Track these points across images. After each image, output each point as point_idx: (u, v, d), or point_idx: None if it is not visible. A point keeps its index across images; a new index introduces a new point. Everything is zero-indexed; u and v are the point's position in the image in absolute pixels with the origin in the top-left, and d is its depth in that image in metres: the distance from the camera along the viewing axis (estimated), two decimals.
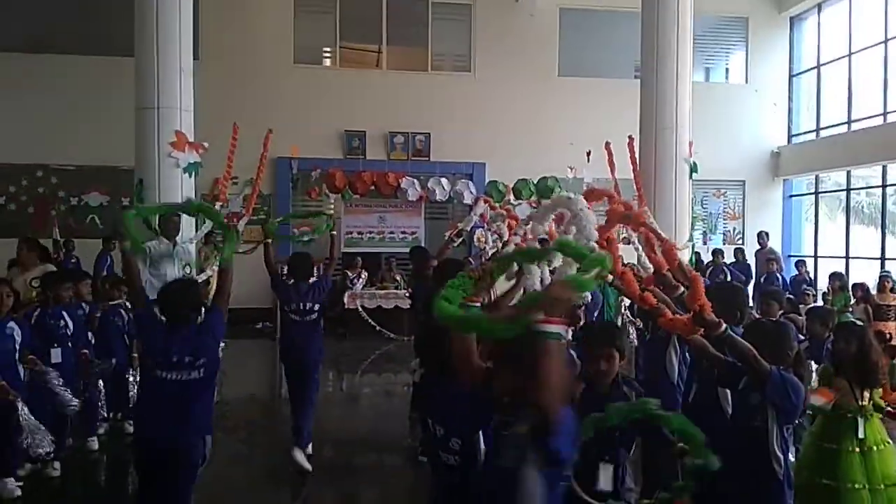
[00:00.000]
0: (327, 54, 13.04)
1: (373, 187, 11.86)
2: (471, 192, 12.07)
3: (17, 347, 4.08)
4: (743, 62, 13.98)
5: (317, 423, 5.11)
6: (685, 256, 7.49)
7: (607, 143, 7.80)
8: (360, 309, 11.04)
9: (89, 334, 5.21)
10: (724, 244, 13.14)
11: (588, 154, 8.50)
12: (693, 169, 7.84)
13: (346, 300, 11.03)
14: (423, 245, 12.45)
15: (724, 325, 2.76)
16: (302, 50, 12.58)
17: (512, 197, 10.95)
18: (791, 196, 14.01)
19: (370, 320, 10.93)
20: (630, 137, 7.84)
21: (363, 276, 11.66)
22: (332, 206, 12.09)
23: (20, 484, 4.25)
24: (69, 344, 4.80)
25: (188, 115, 7.07)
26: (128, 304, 5.76)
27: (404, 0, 12.86)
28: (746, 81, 13.88)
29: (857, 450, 3.38)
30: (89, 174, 11.76)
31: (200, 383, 3.13)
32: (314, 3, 12.63)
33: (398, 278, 11.76)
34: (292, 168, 11.97)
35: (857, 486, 3.32)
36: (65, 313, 4.88)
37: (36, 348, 4.35)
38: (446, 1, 12.96)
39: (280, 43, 12.27)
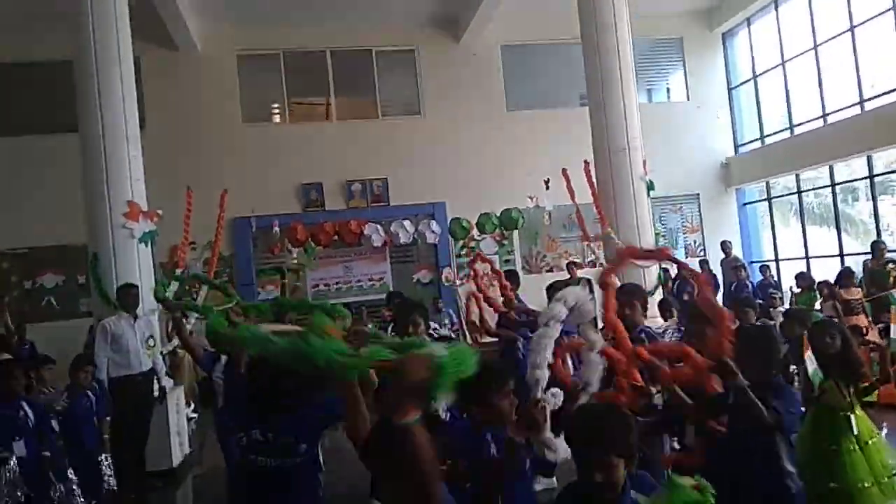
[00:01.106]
0: (276, 110, 13.04)
1: (336, 237, 11.77)
2: (433, 232, 12.07)
3: None
4: (682, 80, 14.40)
5: None
6: (652, 274, 7.56)
7: (564, 170, 7.92)
8: None
9: (53, 423, 4.94)
10: (686, 257, 13.33)
11: (546, 182, 8.61)
12: (650, 187, 7.98)
13: None
14: (389, 289, 12.40)
15: (740, 378, 2.55)
16: (250, 109, 12.55)
17: (476, 232, 10.97)
18: (745, 204, 14.33)
19: None
20: (586, 162, 7.95)
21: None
22: (296, 260, 11.98)
23: None
24: (33, 436, 4.54)
25: (139, 183, 6.96)
26: (95, 384, 5.53)
27: (348, 52, 12.96)
28: (688, 98, 14.28)
29: (857, 447, 3.36)
30: (42, 255, 11.41)
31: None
32: (258, 61, 12.65)
33: (369, 326, 11.57)
34: (252, 226, 11.81)
35: (865, 484, 3.29)
36: (24, 403, 4.62)
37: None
38: (389, 49, 13.12)
39: (227, 103, 12.22)
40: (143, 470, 6.10)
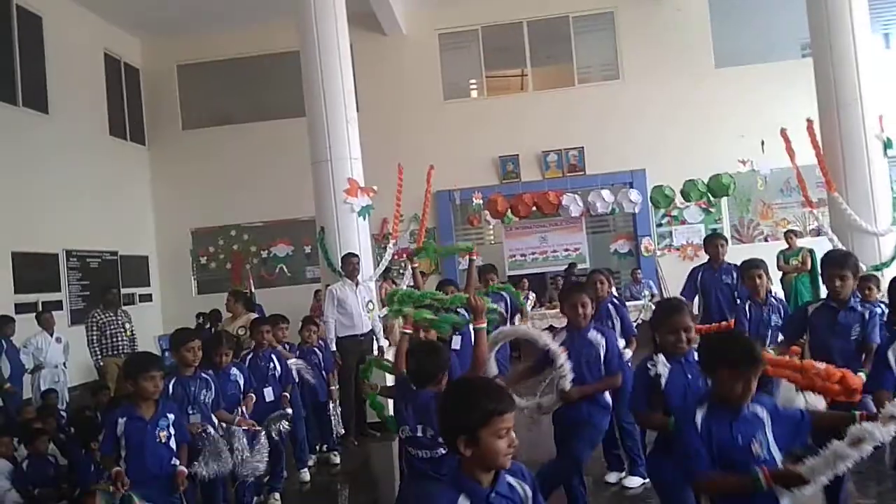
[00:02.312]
0: (473, 86, 13.38)
1: (534, 208, 11.87)
2: (632, 202, 11.70)
3: (241, 390, 4.53)
4: None
5: None
6: (889, 244, 6.72)
7: (783, 130, 7.24)
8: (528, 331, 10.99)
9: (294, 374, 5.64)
10: None
11: (762, 144, 7.94)
12: (887, 145, 7.05)
13: (515, 323, 11.03)
14: (585, 259, 12.32)
15: None
16: (450, 85, 13.02)
17: (680, 200, 10.47)
18: None
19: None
20: (809, 120, 7.22)
21: (531, 297, 11.65)
22: (492, 232, 12.32)
23: None
24: (279, 383, 5.24)
25: (357, 162, 7.59)
26: (321, 342, 6.23)
27: (544, 21, 12.89)
28: None
29: None
30: (275, 228, 12.91)
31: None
32: (457, 38, 13.05)
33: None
34: (455, 199, 12.29)
35: None
36: (273, 356, 5.34)
37: (254, 389, 4.79)
38: (587, 13, 12.82)
39: (430, 82, 12.79)
40: (363, 420, 6.77)
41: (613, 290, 5.64)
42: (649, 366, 2.89)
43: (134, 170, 12.52)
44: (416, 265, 6.20)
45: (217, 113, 13.20)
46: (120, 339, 7.72)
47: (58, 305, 9.57)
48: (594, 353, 3.68)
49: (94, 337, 7.63)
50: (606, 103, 12.36)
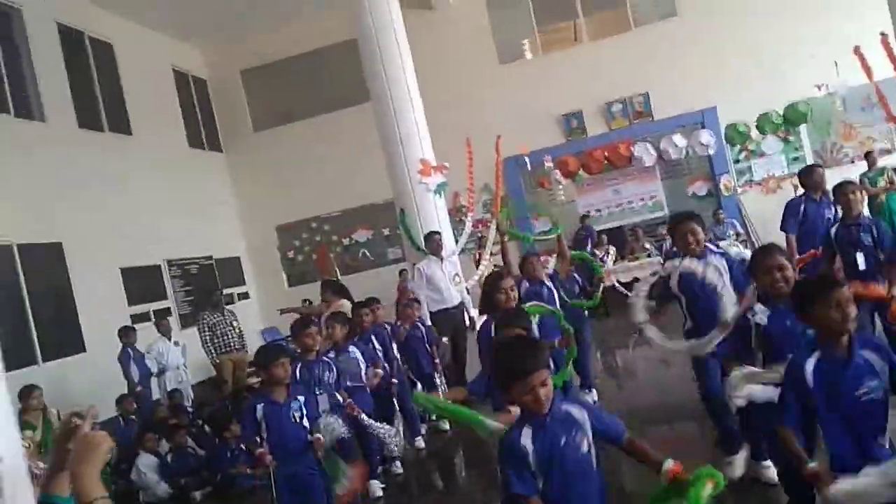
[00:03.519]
0: (526, 46, 13.27)
1: (606, 162, 11.77)
2: (703, 144, 11.44)
3: (362, 367, 4.87)
4: None
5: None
6: None
7: (857, 48, 6.95)
8: (616, 284, 11.00)
9: (395, 348, 5.95)
10: None
11: (836, 65, 7.63)
12: None
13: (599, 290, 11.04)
14: (663, 207, 12.15)
15: None
16: (503, 49, 12.97)
17: (756, 133, 10.15)
18: None
19: (628, 294, 10.81)
20: (883, 34, 6.89)
21: (611, 251, 11.62)
22: (562, 192, 12.30)
23: (382, 485, 5.04)
24: (383, 362, 5.55)
25: (427, 142, 7.79)
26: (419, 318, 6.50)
27: None
28: None
29: None
30: (352, 215, 13.34)
31: None
32: (506, 2, 12.95)
33: (648, 246, 11.52)
34: (527, 164, 12.27)
35: None
36: (373, 336, 5.66)
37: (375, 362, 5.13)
38: None
39: (483, 49, 12.79)
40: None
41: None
42: (749, 315, 2.91)
43: (215, 176, 13.18)
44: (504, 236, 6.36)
45: (283, 111, 13.65)
46: (230, 336, 8.30)
47: (167, 312, 10.30)
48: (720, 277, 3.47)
49: (207, 337, 8.23)
50: (667, 43, 12.02)
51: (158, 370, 8.15)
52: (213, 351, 8.24)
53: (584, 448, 2.15)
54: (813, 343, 2.38)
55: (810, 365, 2.30)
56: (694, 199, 12.55)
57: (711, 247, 3.84)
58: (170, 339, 8.47)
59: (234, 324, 8.44)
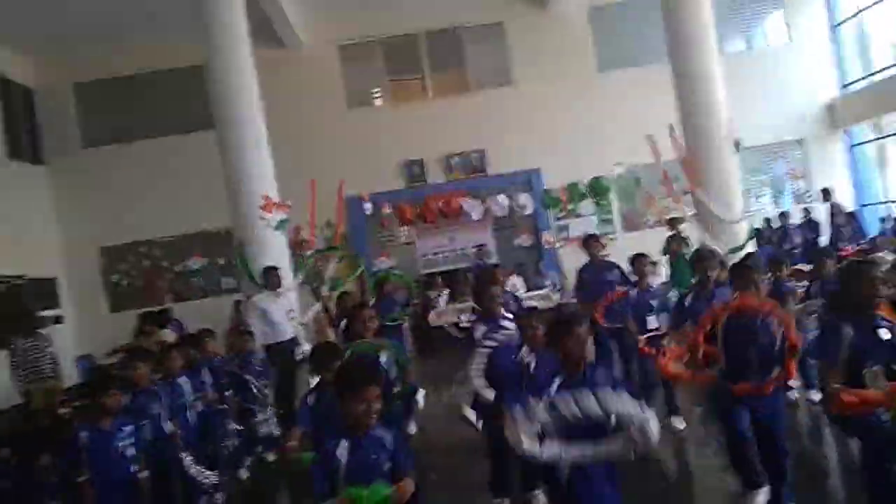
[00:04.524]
0: (377, 94, 13.90)
1: (440, 214, 12.62)
2: (521, 206, 12.80)
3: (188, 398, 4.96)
4: (782, 22, 14.01)
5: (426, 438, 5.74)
6: (742, 231, 7.84)
7: (650, 136, 8.25)
8: (446, 325, 11.65)
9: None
10: (794, 204, 13.29)
11: (654, 142, 8.79)
12: (736, 146, 8.17)
13: (431, 319, 11.69)
14: (492, 255, 13.17)
15: None
16: (353, 94, 13.49)
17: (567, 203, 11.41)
18: (854, 145, 13.87)
19: (459, 335, 11.50)
20: (671, 125, 8.24)
21: (444, 293, 12.34)
22: (404, 234, 12.92)
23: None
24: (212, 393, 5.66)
25: (270, 176, 8.00)
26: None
27: (440, 31, 13.57)
28: (790, 39, 13.90)
29: None
30: (186, 242, 13.00)
31: None
32: (357, 50, 13.52)
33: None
34: (366, 207, 12.72)
35: None
36: (205, 370, 5.75)
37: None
38: (479, 24, 13.61)
39: (332, 92, 13.22)
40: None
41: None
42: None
43: (36, 191, 12.30)
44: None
45: (118, 130, 13.08)
46: (43, 363, 7.80)
47: None
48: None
49: (18, 362, 7.68)
50: (502, 108, 13.19)
51: None
52: (22, 378, 7.69)
53: (385, 468, 2.61)
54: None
55: None
56: (520, 250, 13.69)
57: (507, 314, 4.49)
58: None
59: (49, 349, 7.95)
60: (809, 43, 13.76)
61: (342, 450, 2.56)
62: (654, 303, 5.80)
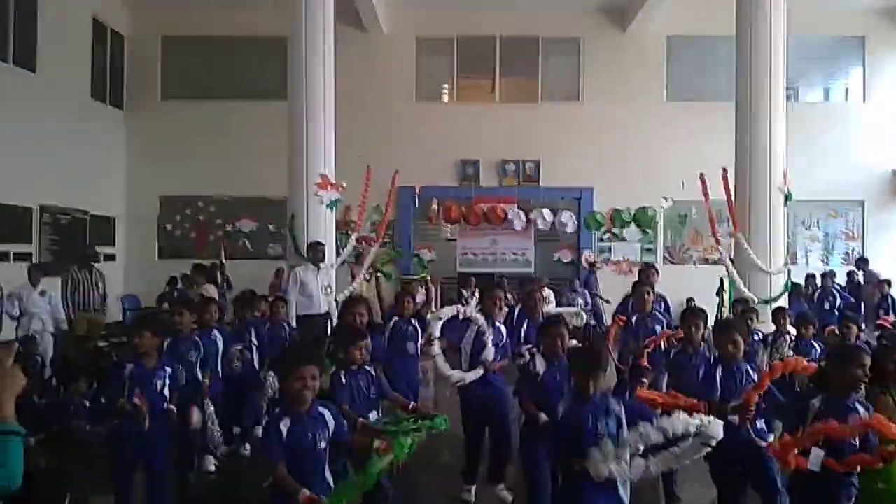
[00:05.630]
0: (445, 90, 14.15)
1: (484, 219, 12.89)
2: (573, 223, 12.85)
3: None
4: (861, 81, 13.77)
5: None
6: (780, 281, 7.85)
7: (702, 175, 8.29)
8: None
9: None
10: (843, 265, 13.09)
11: (682, 184, 8.97)
12: (788, 197, 8.15)
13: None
14: (531, 265, 13.32)
15: None
16: (423, 87, 13.77)
17: (611, 225, 11.47)
18: None
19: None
20: (724, 169, 8.27)
21: (476, 293, 12.51)
22: (448, 229, 13.15)
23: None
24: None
25: (331, 156, 8.31)
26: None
27: (516, 38, 13.75)
28: (864, 100, 13.66)
29: None
30: (240, 204, 13.51)
31: None
32: (434, 45, 13.80)
33: (509, 297, 12.48)
34: (414, 197, 13.04)
35: None
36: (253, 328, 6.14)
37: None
38: (556, 37, 13.74)
39: (405, 81, 13.53)
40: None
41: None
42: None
43: (111, 133, 12.96)
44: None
45: (196, 87, 13.66)
46: (92, 296, 8.33)
47: (27, 257, 10.05)
48: None
49: (68, 292, 8.22)
50: (566, 122, 13.32)
51: (19, 314, 8.01)
52: (71, 307, 8.23)
53: (322, 445, 2.92)
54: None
55: None
56: (559, 265, 13.80)
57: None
58: (36, 288, 8.32)
59: (100, 284, 8.48)
60: (885, 105, 13.51)
61: (283, 426, 2.84)
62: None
